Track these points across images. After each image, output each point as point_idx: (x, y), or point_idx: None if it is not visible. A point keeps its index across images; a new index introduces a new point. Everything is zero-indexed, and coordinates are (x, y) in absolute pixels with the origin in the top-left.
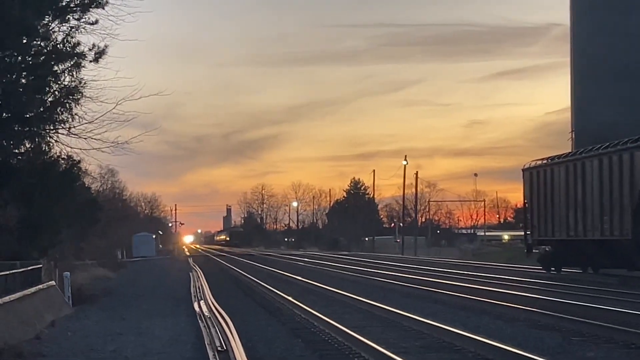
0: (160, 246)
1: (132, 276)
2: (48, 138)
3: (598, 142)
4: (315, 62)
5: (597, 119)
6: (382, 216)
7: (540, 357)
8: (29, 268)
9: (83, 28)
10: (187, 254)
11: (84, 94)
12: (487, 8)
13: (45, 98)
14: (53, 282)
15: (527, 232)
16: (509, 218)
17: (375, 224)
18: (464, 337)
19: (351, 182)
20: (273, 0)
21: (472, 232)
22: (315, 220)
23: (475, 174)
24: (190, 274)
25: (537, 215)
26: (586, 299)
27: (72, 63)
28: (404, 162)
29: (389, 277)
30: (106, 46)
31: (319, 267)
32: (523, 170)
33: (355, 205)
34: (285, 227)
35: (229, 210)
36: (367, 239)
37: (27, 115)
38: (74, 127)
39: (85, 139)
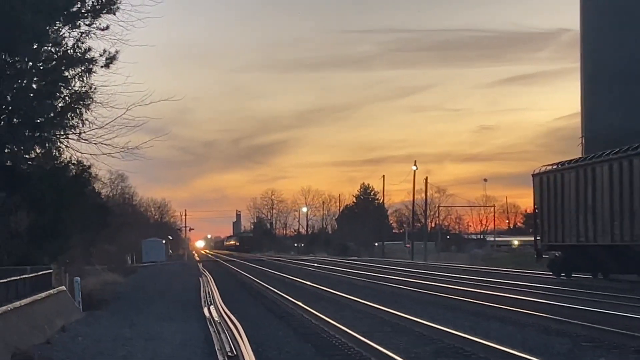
0: (170, 251)
1: (142, 281)
2: (58, 143)
3: (608, 147)
4: (325, 67)
5: (607, 124)
6: (391, 221)
7: None
8: (40, 273)
9: (94, 34)
10: (197, 259)
11: (95, 99)
12: (497, 14)
13: (56, 103)
14: (63, 287)
15: (537, 238)
16: (518, 223)
17: (385, 229)
18: (474, 342)
19: (361, 187)
20: (283, 6)
21: (481, 237)
22: (324, 226)
23: (485, 179)
24: (200, 279)
25: (547, 221)
26: (596, 304)
27: (82, 68)
28: (414, 168)
29: (398, 283)
30: (117, 52)
31: (328, 273)
32: (533, 175)
33: (365, 210)
34: (295, 233)
35: (238, 216)
36: (376, 244)
37: (38, 121)
38: (85, 132)
39: (95, 144)
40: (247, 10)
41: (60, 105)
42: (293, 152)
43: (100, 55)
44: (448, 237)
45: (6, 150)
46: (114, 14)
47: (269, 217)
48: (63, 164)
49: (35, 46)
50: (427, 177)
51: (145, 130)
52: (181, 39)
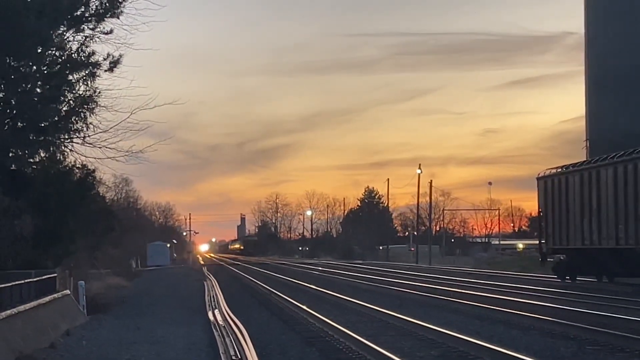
0: (175, 255)
1: (147, 285)
2: (63, 147)
3: (613, 150)
4: (329, 71)
5: (612, 127)
6: (396, 225)
7: None
8: (44, 277)
9: (98, 37)
10: (202, 262)
11: (99, 103)
12: (502, 17)
13: (60, 107)
14: (68, 291)
15: (542, 241)
16: (523, 227)
17: (390, 233)
18: (479, 346)
19: (365, 190)
20: (288, 10)
21: (486, 240)
22: (329, 229)
23: (490, 183)
24: (205, 282)
25: (551, 224)
26: (601, 307)
27: (86, 72)
28: (418, 171)
29: (403, 286)
30: (121, 55)
31: (333, 276)
32: (537, 178)
33: (370, 214)
34: (300, 236)
35: (243, 219)
36: (381, 247)
37: (42, 125)
38: (89, 136)
39: (99, 148)
40: (252, 14)
41: (64, 109)
42: (297, 155)
43: (104, 59)
44: (453, 240)
45: (10, 154)
46: (118, 18)
47: (274, 221)
48: (67, 168)
49: (39, 50)
50: (431, 181)
51: (150, 134)
52: (185, 43)
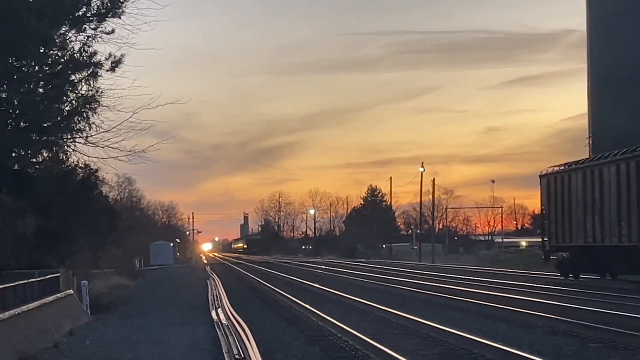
0: (178, 254)
1: (150, 284)
2: (65, 147)
3: (615, 148)
4: (331, 70)
5: (615, 125)
6: (399, 223)
7: None
8: (47, 277)
9: (100, 37)
10: (205, 262)
11: (101, 102)
12: (504, 15)
13: (63, 107)
14: (71, 291)
15: (545, 239)
16: (526, 224)
17: (393, 231)
18: (481, 344)
19: (368, 189)
20: (289, 9)
21: (489, 238)
22: (332, 228)
23: (493, 181)
24: (208, 282)
25: (554, 222)
26: (604, 305)
27: (88, 72)
28: (421, 169)
29: (406, 285)
30: (122, 55)
31: (336, 275)
32: (540, 176)
33: (373, 212)
34: (303, 235)
35: (246, 218)
36: (384, 246)
37: (45, 125)
38: (91, 136)
39: (102, 147)
40: (253, 13)
41: (66, 109)
42: (300, 154)
43: (106, 59)
44: (456, 238)
45: (13, 154)
46: (120, 18)
47: (277, 220)
48: (70, 168)
49: (41, 50)
50: (434, 179)
51: (152, 133)
52: (188, 43)
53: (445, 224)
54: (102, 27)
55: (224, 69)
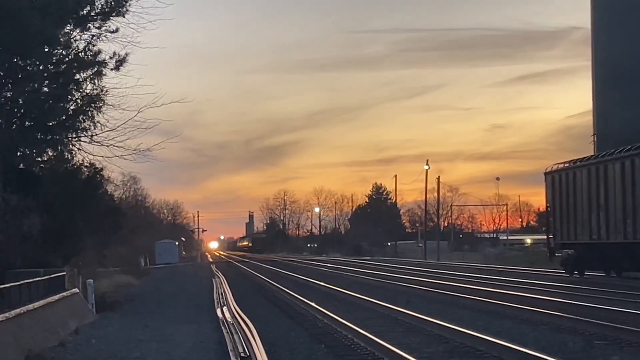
0: (184, 253)
1: (155, 283)
2: (70, 146)
3: (620, 145)
4: (335, 68)
5: (619, 121)
6: (404, 221)
7: None
8: (53, 275)
9: (104, 36)
10: (210, 260)
11: (106, 101)
12: (508, 12)
13: (67, 106)
14: (76, 290)
15: (550, 236)
16: (531, 222)
17: (398, 229)
18: (486, 341)
19: (373, 187)
20: (293, 7)
21: (494, 236)
22: (337, 226)
23: (498, 178)
24: (213, 280)
25: (559, 219)
26: (609, 302)
27: (93, 71)
28: (426, 167)
29: (411, 282)
30: (127, 54)
31: (341, 273)
32: (545, 173)
33: (378, 210)
34: (308, 233)
35: (251, 217)
36: (389, 244)
37: (50, 124)
38: (96, 134)
39: (107, 146)
40: (257, 12)
41: (71, 107)
42: (305, 152)
43: (111, 58)
44: (461, 236)
45: (18, 153)
46: (124, 17)
47: (282, 218)
48: (75, 167)
49: (45, 49)
50: (439, 177)
51: (157, 132)
52: (192, 41)
53: (450, 221)
54: (106, 26)
55: (228, 67)
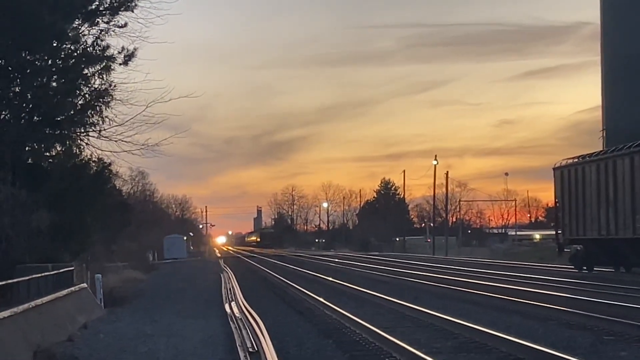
0: (192, 248)
1: (164, 278)
2: (79, 141)
3: (629, 140)
4: (345, 63)
5: (629, 117)
6: (412, 216)
7: (572, 357)
8: (61, 270)
9: (112, 31)
10: (219, 255)
11: (114, 96)
12: (517, 7)
13: (76, 101)
14: (85, 285)
15: (559, 231)
16: (540, 217)
17: (406, 224)
18: (495, 337)
19: (381, 182)
20: (303, 2)
21: (503, 231)
22: (345, 221)
23: (506, 174)
24: (222, 275)
25: (568, 214)
26: (618, 298)
27: (102, 66)
28: (434, 162)
29: (420, 278)
30: (135, 49)
31: (349, 268)
32: (554, 169)
33: (386, 205)
34: (316, 228)
35: (259, 212)
36: (397, 239)
37: (58, 119)
38: (105, 129)
39: (115, 141)
40: (267, 6)
41: (80, 102)
42: (313, 147)
43: (119, 53)
44: (469, 231)
45: (27, 148)
46: (132, 11)
47: (290, 213)
48: (83, 162)
49: (54, 44)
50: (447, 172)
51: (165, 127)
52: (201, 36)
53: (458, 217)
54: (115, 21)
55: (237, 62)
